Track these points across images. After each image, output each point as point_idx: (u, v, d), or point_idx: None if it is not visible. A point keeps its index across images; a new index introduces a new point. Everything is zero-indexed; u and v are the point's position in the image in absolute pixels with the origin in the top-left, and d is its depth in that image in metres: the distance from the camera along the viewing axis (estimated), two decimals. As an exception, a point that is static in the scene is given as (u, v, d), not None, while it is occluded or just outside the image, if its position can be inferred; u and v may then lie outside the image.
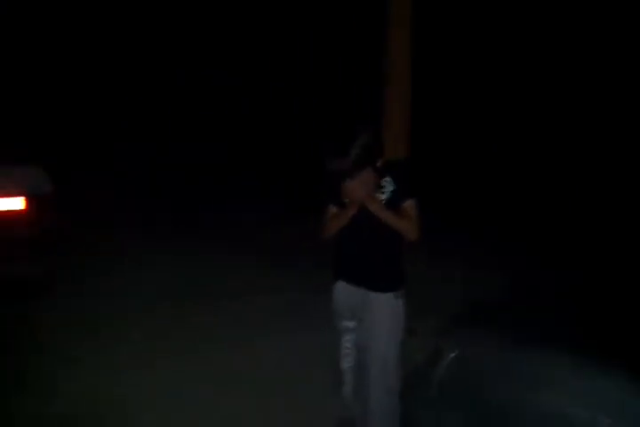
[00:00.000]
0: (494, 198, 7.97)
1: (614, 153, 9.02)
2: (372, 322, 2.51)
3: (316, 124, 9.54)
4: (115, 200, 7.47)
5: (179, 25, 12.57)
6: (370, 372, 2.52)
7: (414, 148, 4.33)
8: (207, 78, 12.48)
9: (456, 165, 9.49)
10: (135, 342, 3.59)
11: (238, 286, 4.71)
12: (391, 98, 3.37)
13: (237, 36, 12.42)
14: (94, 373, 3.17)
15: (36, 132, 6.02)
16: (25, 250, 3.78)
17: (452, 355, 2.55)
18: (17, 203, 3.74)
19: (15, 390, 3.00)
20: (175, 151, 11.05)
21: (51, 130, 9.88)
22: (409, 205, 2.40)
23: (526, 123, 10.09)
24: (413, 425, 2.62)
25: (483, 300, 3.39)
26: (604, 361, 2.12)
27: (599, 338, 2.32)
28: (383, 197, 2.42)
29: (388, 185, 2.44)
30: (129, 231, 6.12)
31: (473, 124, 10.34)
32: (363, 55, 9.08)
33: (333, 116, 9.38)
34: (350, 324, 2.58)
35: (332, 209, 2.51)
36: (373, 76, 3.60)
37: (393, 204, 2.41)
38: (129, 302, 4.19)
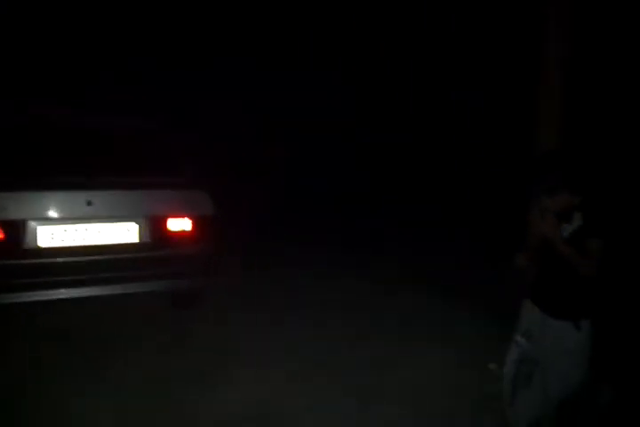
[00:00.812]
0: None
1: None
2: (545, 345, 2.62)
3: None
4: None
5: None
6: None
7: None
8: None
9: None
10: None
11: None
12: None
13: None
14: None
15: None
16: (191, 266, 4.20)
17: (610, 393, 2.60)
18: (184, 224, 4.16)
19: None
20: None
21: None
22: (592, 242, 2.45)
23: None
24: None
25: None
26: None
27: None
28: (569, 229, 2.53)
29: (578, 219, 2.53)
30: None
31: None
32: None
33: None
34: (522, 340, 2.73)
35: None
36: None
37: (578, 239, 2.49)
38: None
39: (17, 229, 3.71)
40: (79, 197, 3.89)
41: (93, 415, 3.14)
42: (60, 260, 3.85)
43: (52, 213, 3.81)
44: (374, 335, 4.47)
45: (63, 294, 3.92)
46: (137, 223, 4.06)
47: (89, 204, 3.88)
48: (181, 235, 4.16)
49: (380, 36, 12.32)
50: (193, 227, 4.18)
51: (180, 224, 4.15)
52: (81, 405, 3.24)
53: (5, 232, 3.68)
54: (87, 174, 3.99)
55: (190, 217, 4.17)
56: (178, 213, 4.15)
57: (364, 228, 8.97)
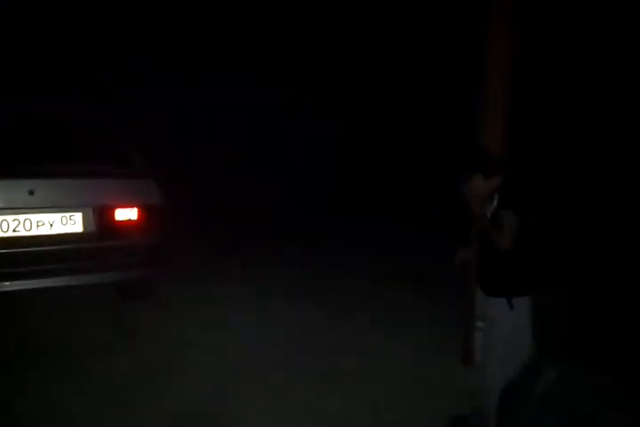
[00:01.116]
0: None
1: None
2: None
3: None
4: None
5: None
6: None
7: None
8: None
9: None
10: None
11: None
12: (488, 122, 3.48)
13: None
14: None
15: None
16: (136, 257, 4.12)
17: (551, 375, 2.68)
18: (131, 213, 4.08)
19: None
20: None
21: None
22: (503, 214, 2.59)
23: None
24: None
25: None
26: None
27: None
28: (490, 209, 2.70)
29: (496, 199, 2.70)
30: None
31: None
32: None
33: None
34: (483, 325, 2.84)
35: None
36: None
37: (496, 217, 2.64)
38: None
39: (-47, 220, 3.57)
40: (20, 186, 3.74)
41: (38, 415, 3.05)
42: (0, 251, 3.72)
43: (-9, 203, 3.67)
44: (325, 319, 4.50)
45: (3, 287, 3.78)
46: (82, 213, 3.95)
47: (31, 193, 3.74)
48: (128, 225, 4.06)
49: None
50: (140, 216, 4.09)
51: (126, 214, 4.05)
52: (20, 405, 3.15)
53: (-60, 222, 3.54)
54: (29, 162, 3.86)
55: (137, 206, 4.08)
56: (124, 203, 4.05)
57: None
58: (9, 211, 3.73)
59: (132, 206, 4.07)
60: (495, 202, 2.68)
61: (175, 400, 3.22)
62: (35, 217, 3.81)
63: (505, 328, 2.62)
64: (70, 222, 3.93)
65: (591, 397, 2.92)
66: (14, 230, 3.76)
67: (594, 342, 4.02)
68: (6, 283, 3.80)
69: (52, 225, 3.86)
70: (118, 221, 4.05)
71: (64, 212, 3.91)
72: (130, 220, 4.08)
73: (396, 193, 10.57)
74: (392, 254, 7.07)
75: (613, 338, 4.16)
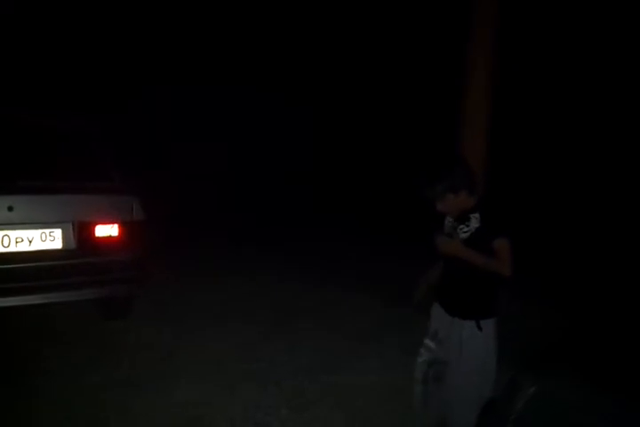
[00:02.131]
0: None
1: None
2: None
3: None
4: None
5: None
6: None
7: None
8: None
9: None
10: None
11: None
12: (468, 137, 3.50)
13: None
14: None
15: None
16: (117, 274, 4.08)
17: (532, 390, 2.68)
18: (112, 229, 4.05)
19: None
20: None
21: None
22: (499, 243, 2.47)
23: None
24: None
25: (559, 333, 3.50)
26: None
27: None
28: (466, 230, 2.57)
29: (475, 221, 2.57)
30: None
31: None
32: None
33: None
34: (430, 343, 2.76)
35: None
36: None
37: (477, 241, 2.52)
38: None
39: None
40: (-1, 202, 3.73)
41: None
42: (-23, 268, 3.68)
43: (-31, 219, 3.63)
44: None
45: (-19, 304, 3.73)
46: (62, 229, 3.92)
47: (10, 209, 3.71)
48: (109, 241, 4.04)
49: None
50: (121, 233, 4.07)
51: (107, 230, 4.03)
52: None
53: None
54: (8, 178, 3.82)
55: (118, 223, 4.06)
56: (105, 219, 4.03)
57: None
58: (-13, 227, 3.70)
59: (112, 223, 4.06)
60: (473, 225, 2.55)
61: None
62: (13, 233, 3.77)
63: (478, 352, 2.59)
64: (50, 239, 3.90)
65: (574, 411, 2.92)
66: (-8, 247, 3.72)
67: (578, 356, 4.04)
68: (-17, 301, 3.75)
69: (31, 242, 3.83)
70: (99, 237, 4.03)
71: (43, 228, 3.88)
72: (110, 236, 4.05)
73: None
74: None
75: (599, 351, 4.19)
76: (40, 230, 3.87)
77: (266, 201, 11.07)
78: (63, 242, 3.93)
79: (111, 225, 4.05)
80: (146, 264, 4.25)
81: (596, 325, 4.94)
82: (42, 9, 11.09)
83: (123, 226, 4.08)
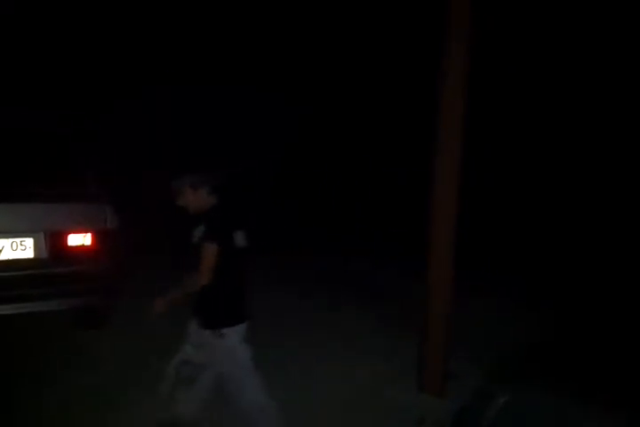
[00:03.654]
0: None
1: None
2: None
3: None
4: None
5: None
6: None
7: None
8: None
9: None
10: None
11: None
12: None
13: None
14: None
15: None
16: (92, 283, 4.03)
17: (503, 400, 2.66)
18: (85, 239, 4.00)
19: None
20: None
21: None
22: (202, 249, 2.60)
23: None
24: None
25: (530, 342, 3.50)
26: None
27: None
28: (196, 233, 2.67)
29: (202, 226, 2.67)
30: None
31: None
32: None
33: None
34: (187, 346, 2.84)
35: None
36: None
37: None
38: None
39: None
40: (-32, 211, 3.67)
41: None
42: (-55, 278, 3.62)
43: (-63, 228, 3.58)
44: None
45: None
46: (33, 238, 3.87)
47: (-21, 218, 3.67)
48: (81, 250, 3.99)
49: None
50: (94, 242, 4.02)
51: (79, 239, 3.98)
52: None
53: None
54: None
55: (91, 232, 4.01)
56: (78, 228, 3.98)
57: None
58: (-45, 236, 3.65)
59: (85, 232, 4.00)
60: (202, 229, 2.65)
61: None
62: (-17, 242, 3.72)
63: (221, 359, 2.71)
64: (21, 248, 3.84)
65: (546, 420, 2.89)
66: (-39, 256, 3.66)
67: (552, 365, 4.03)
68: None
69: (1, 251, 3.77)
70: (71, 246, 3.97)
71: (14, 237, 3.82)
72: (83, 245, 4.00)
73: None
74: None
75: (573, 359, 4.18)
76: (11, 239, 3.81)
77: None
78: (34, 251, 3.87)
79: (84, 234, 3.99)
80: (120, 274, 4.19)
81: (573, 332, 4.95)
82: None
83: (96, 235, 4.02)
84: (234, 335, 2.72)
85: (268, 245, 8.22)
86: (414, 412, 3.42)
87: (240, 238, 2.76)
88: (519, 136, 10.18)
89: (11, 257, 3.81)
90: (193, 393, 2.76)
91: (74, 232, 3.97)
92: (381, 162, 12.10)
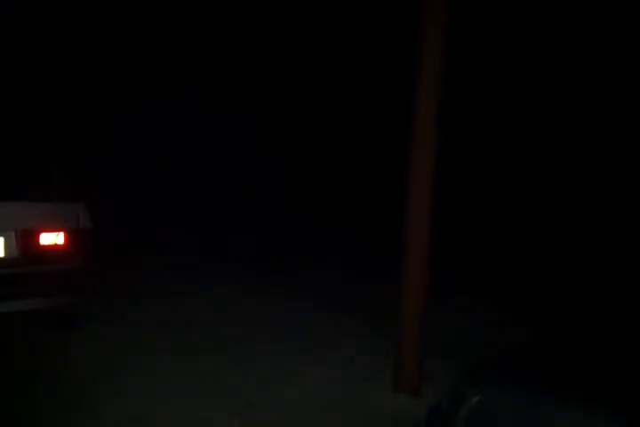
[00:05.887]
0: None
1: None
2: None
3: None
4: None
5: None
6: None
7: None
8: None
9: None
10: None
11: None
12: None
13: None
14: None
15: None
16: (64, 283, 3.96)
17: (476, 399, 2.66)
18: (57, 238, 3.94)
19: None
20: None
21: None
22: None
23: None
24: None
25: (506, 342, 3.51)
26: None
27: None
28: None
29: None
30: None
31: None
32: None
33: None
34: None
35: None
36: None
37: None
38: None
39: None
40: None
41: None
42: None
43: None
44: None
45: None
46: (3, 237, 3.80)
47: (-52, 216, 3.59)
48: (54, 250, 3.93)
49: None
50: (66, 241, 3.96)
51: (52, 238, 3.92)
52: None
53: None
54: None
55: (64, 231, 3.95)
56: (50, 227, 3.92)
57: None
58: None
59: (57, 230, 3.94)
60: None
61: None
62: (-48, 241, 3.65)
63: None
64: (-9, 247, 3.77)
65: (519, 420, 2.91)
66: None
67: (526, 365, 4.06)
68: None
69: (-30, 250, 3.70)
70: (43, 245, 3.91)
71: (-16, 236, 3.75)
72: (56, 244, 3.94)
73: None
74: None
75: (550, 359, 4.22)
76: (-19, 238, 3.74)
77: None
78: (5, 250, 3.80)
79: (56, 233, 3.93)
80: (93, 274, 4.14)
81: (548, 332, 4.99)
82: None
83: (68, 234, 3.97)
84: None
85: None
86: (389, 412, 3.43)
87: None
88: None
89: (-20, 256, 3.74)
90: None
91: (46, 231, 3.91)
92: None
